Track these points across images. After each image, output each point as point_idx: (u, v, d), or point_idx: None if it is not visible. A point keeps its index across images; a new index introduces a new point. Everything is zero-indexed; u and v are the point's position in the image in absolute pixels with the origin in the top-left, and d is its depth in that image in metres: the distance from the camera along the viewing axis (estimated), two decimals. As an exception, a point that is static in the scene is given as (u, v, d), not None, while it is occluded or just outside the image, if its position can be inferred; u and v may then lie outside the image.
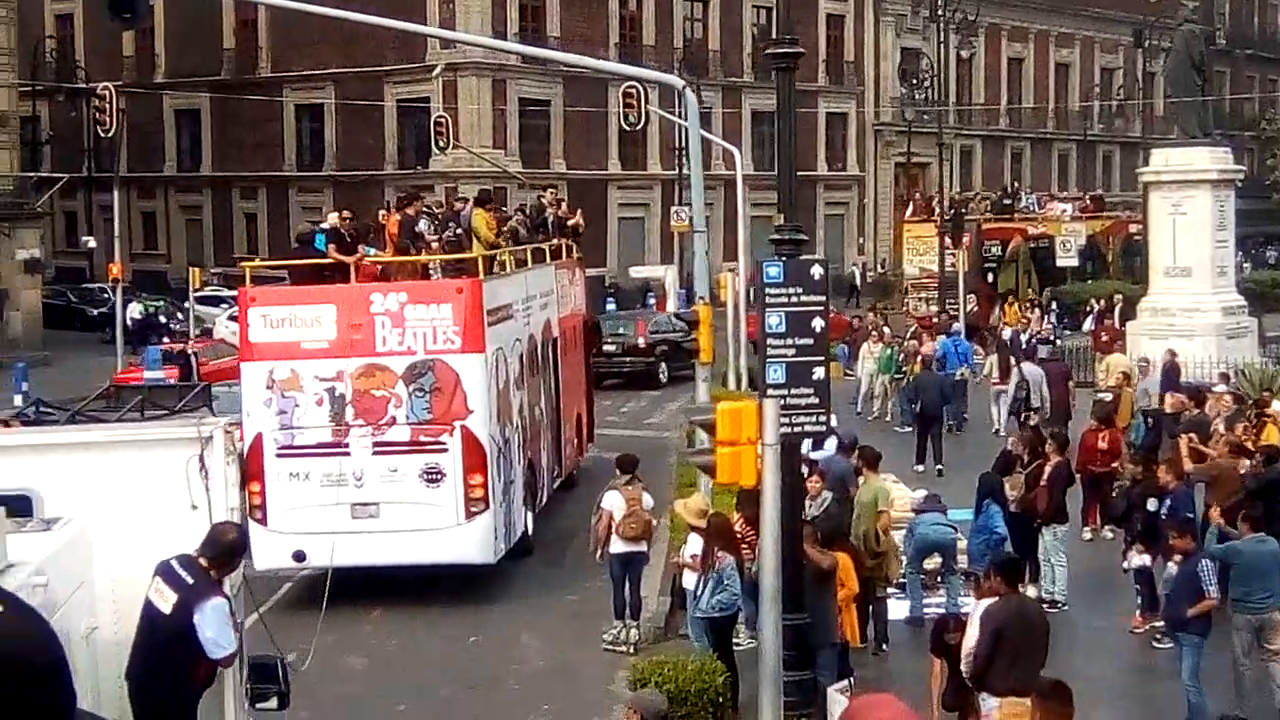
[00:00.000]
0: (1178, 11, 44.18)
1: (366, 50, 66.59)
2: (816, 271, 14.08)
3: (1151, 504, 18.86)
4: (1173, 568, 16.74)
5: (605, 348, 40.68)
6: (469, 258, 22.46)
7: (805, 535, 14.82)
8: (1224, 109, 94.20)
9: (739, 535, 17.14)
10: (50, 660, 4.77)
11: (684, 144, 66.69)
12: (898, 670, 17.51)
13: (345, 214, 23.86)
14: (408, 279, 22.34)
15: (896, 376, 35.67)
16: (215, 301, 58.17)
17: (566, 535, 24.53)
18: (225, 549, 9.62)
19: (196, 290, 51.75)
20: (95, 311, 60.60)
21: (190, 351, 41.54)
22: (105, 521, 9.38)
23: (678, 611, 19.64)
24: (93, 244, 65.72)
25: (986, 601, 12.84)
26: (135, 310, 54.95)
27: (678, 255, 68.61)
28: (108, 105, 42.71)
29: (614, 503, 18.71)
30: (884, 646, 18.05)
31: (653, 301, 55.09)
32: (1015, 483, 19.78)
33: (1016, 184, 72.34)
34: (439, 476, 20.47)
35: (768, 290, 13.91)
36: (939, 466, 29.28)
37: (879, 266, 79.56)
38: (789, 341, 13.94)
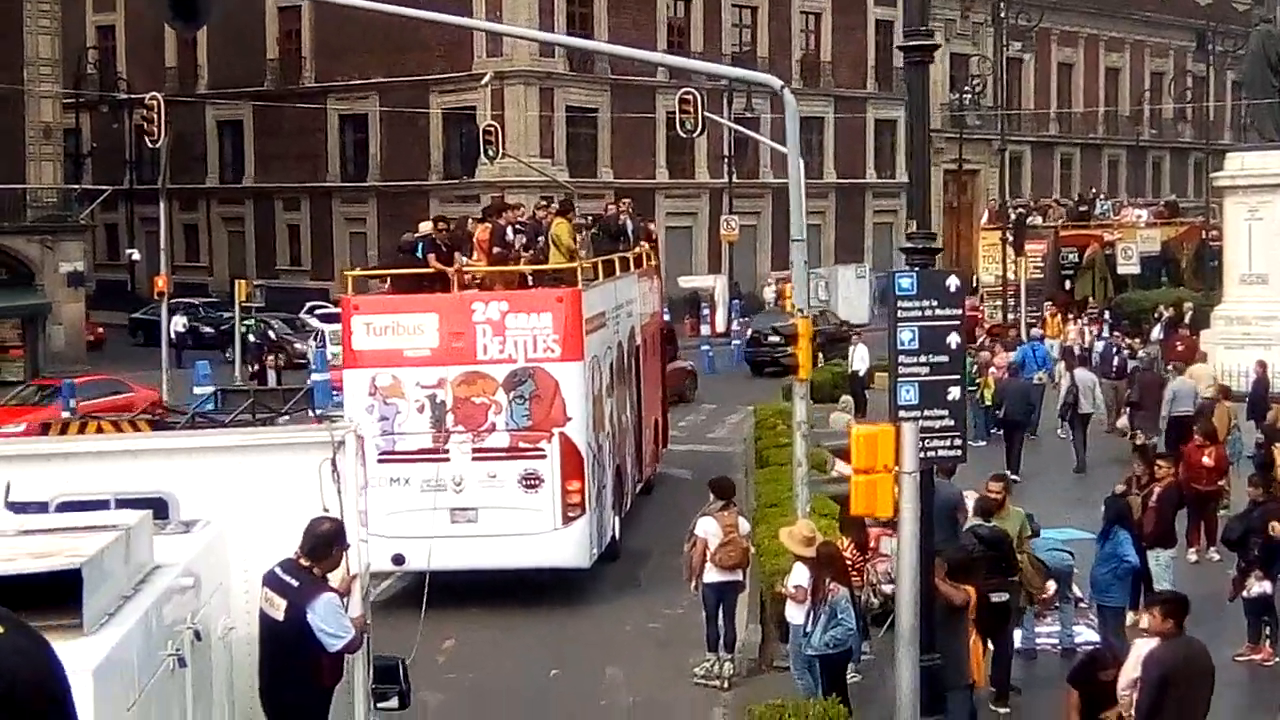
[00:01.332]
0: (1248, 13, 43.08)
1: (411, 59, 65.79)
2: (952, 283, 13.02)
3: (1276, 528, 17.72)
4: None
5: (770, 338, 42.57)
6: (567, 267, 22.84)
7: (934, 568, 13.72)
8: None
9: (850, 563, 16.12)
10: (52, 691, 4.47)
11: (728, 151, 66.09)
12: (1017, 705, 16.43)
13: (440, 223, 24.14)
14: (505, 288, 22.50)
15: (970, 389, 34.45)
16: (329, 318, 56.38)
17: (649, 542, 24.53)
18: (321, 541, 9.79)
19: (244, 302, 50.76)
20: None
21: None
22: (239, 524, 9.50)
23: (771, 643, 18.65)
24: (136, 256, 65.00)
25: (1149, 642, 11.72)
26: (179, 324, 54.18)
27: (727, 264, 67.79)
28: (156, 115, 41.89)
29: (709, 529, 17.67)
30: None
31: (705, 311, 53.95)
32: (1133, 504, 18.66)
33: (1094, 190, 71.16)
34: (537, 482, 20.88)
35: (900, 304, 12.84)
36: (1014, 477, 28.20)
37: (929, 274, 78.38)
38: (922, 359, 12.88)
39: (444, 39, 65.16)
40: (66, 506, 9.00)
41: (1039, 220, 54.95)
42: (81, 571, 6.75)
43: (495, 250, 23.46)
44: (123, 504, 8.77)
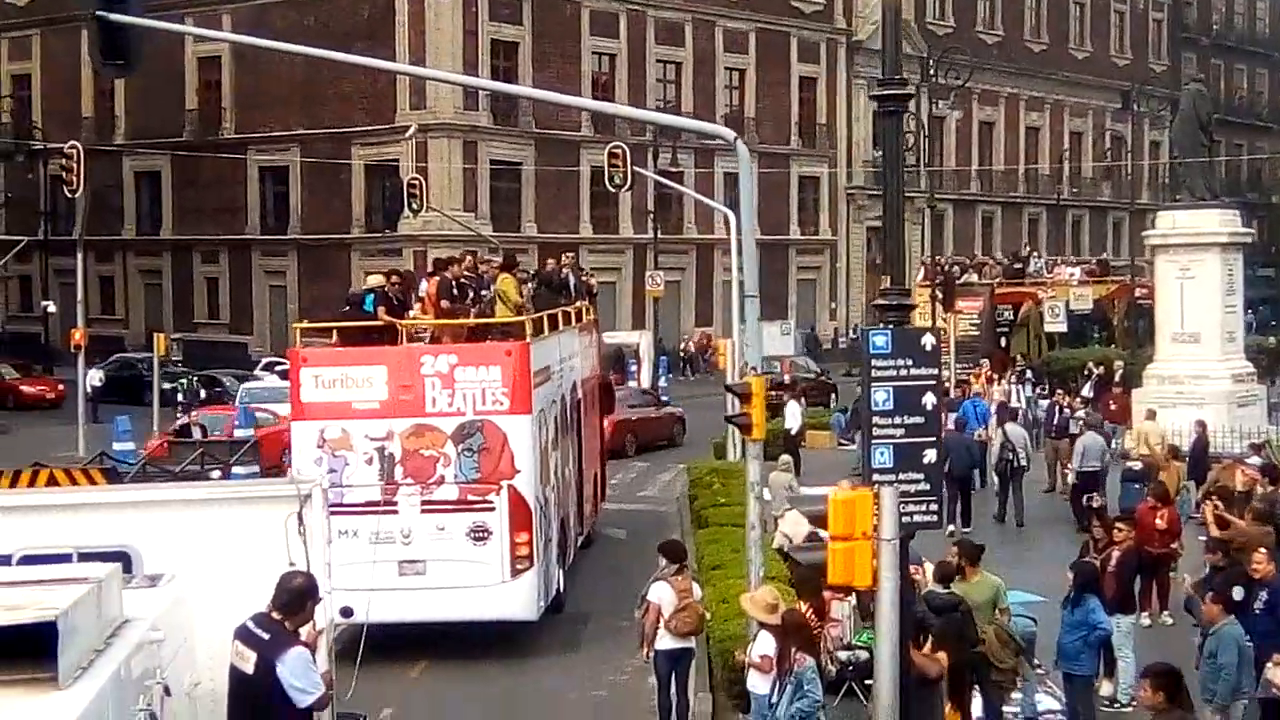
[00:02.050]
0: (1165, 74, 43.25)
1: (333, 111, 65.26)
2: (928, 342, 12.50)
3: (1238, 593, 17.31)
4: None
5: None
6: (515, 321, 22.90)
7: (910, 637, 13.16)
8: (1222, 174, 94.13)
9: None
10: None
11: (652, 206, 65.66)
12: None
13: (393, 276, 24.10)
14: (453, 341, 22.54)
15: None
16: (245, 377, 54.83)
17: (589, 603, 24.14)
18: (294, 595, 9.81)
19: (162, 356, 49.60)
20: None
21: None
22: (203, 578, 9.52)
23: (724, 712, 18.05)
24: (52, 309, 63.63)
25: None
26: (95, 378, 53.00)
27: (652, 320, 67.30)
28: (75, 165, 41.00)
29: (663, 595, 17.01)
30: None
31: (633, 367, 53.35)
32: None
33: (1029, 248, 71.48)
34: (486, 535, 20.91)
35: (874, 363, 12.32)
36: (965, 529, 28.26)
37: (850, 331, 78.37)
38: (897, 420, 12.35)
39: (366, 91, 64.69)
40: (30, 559, 8.98)
41: (975, 277, 54.86)
42: (56, 624, 6.76)
43: (443, 304, 23.41)
44: (85, 557, 8.76)
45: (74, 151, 41.60)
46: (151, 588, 8.93)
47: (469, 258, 25.88)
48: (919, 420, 12.41)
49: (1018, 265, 58.29)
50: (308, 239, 67.63)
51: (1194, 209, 39.69)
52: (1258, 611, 16.90)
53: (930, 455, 12.46)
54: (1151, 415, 32.92)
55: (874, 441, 12.37)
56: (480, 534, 20.90)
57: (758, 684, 15.21)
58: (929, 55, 59.58)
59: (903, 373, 12.36)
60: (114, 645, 7.69)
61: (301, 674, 9.76)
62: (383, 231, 64.40)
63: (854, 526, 11.26)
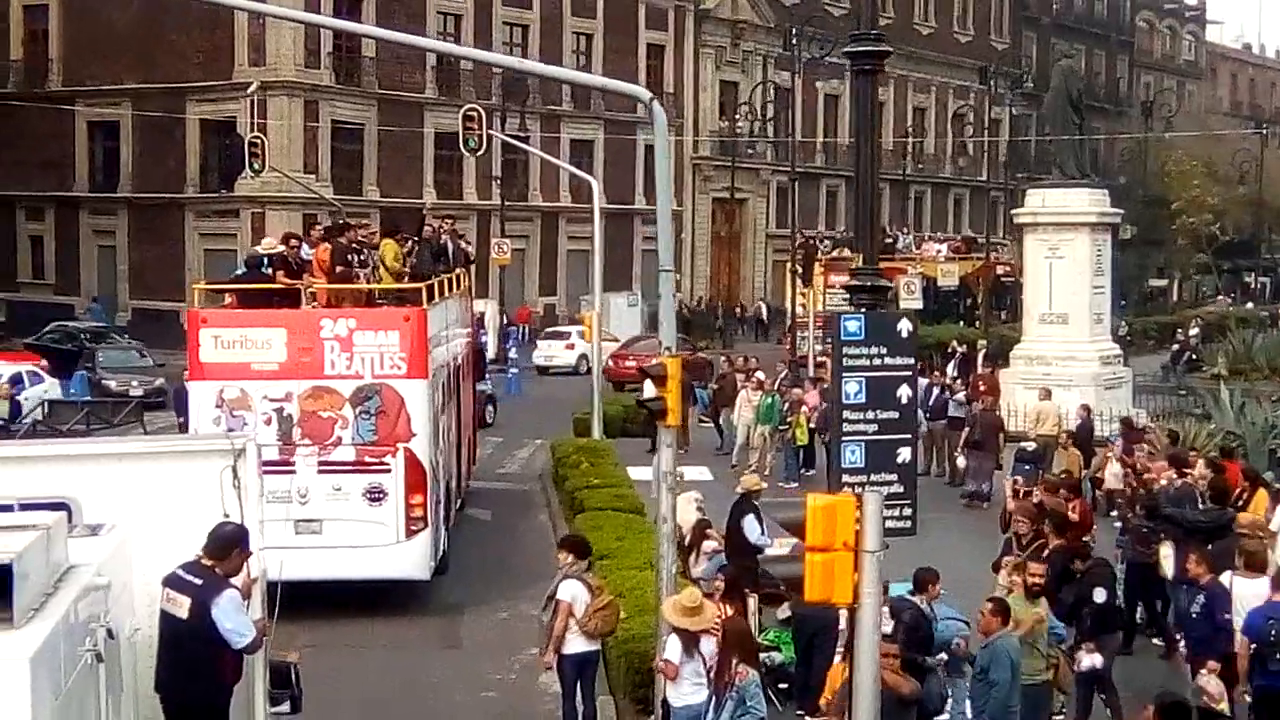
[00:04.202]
0: (1013, 52, 42.71)
1: (167, 65, 62.71)
2: (904, 327, 11.25)
3: (1099, 595, 16.57)
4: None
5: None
6: (412, 287, 23.13)
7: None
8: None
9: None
10: None
11: (497, 171, 63.96)
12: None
13: (293, 241, 24.16)
14: (352, 305, 22.75)
15: (781, 428, 33.04)
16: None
17: (464, 595, 23.30)
18: (224, 541, 10.09)
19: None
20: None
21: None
22: (142, 528, 9.70)
23: (629, 717, 16.80)
24: None
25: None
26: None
27: (498, 288, 65.68)
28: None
29: (576, 593, 15.63)
30: None
31: (485, 336, 51.77)
32: (1010, 566, 17.11)
33: (895, 225, 70.97)
34: (382, 496, 21.25)
35: (846, 351, 11.06)
36: None
37: (696, 302, 77.43)
38: (869, 415, 11.11)
39: (202, 46, 62.25)
40: None
41: (847, 252, 54.06)
42: (12, 567, 7.11)
43: (338, 269, 23.40)
44: (26, 508, 8.84)
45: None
46: (93, 536, 9.08)
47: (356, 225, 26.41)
48: (893, 415, 11.18)
49: (888, 240, 57.76)
50: (139, 197, 64.99)
51: (1063, 187, 39.20)
52: (1194, 616, 16.14)
53: (905, 454, 11.23)
54: (1047, 395, 32.26)
55: (844, 439, 11.12)
56: (376, 495, 21.22)
57: (674, 694, 14.00)
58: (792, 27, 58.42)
59: (876, 362, 11.12)
60: (62, 589, 7.93)
61: (235, 616, 9.97)
62: (219, 192, 61.94)
63: (834, 536, 10.02)
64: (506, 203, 65.15)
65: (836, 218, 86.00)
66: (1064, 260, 38.60)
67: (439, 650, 20.68)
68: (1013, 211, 44.26)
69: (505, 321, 62.35)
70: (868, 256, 11.75)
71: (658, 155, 16.79)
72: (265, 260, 23.61)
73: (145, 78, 63.34)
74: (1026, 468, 26.28)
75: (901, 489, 11.19)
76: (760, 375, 36.28)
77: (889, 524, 11.06)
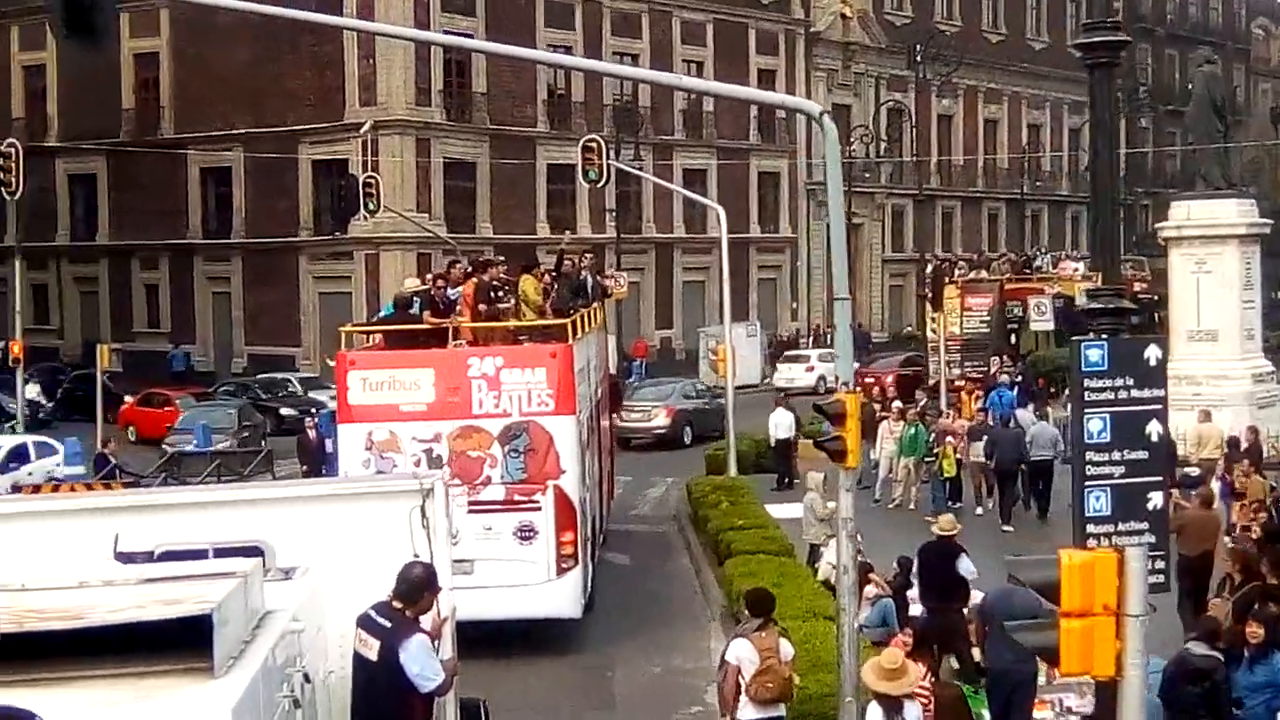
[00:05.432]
0: (1127, 63, 41.07)
1: (277, 108, 62.24)
2: (1153, 355, 9.95)
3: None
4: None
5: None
6: (558, 323, 22.96)
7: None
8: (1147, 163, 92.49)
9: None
10: None
11: (612, 204, 62.87)
12: None
13: (438, 281, 24.29)
14: (499, 343, 22.76)
15: (928, 459, 31.68)
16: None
17: (615, 650, 22.37)
18: (415, 585, 9.99)
19: (105, 369, 46.50)
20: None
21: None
22: (332, 570, 9.70)
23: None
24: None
25: None
26: (32, 392, 50.01)
27: (615, 321, 64.56)
28: (13, 165, 38.05)
29: (743, 654, 14.35)
30: None
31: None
32: (1220, 609, 15.72)
33: (1035, 246, 69.70)
34: (532, 534, 21.18)
35: (1087, 384, 9.77)
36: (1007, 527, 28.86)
37: (810, 331, 76.05)
38: (1115, 455, 9.83)
39: (312, 88, 61.76)
40: (168, 556, 9.08)
41: (984, 274, 52.58)
42: (212, 616, 7.07)
43: (481, 307, 23.26)
44: (220, 553, 8.93)
45: (12, 150, 38.81)
46: (287, 580, 9.15)
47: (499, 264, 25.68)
48: (1142, 455, 9.90)
49: (1023, 259, 56.49)
50: (253, 243, 64.50)
51: (1210, 199, 37.57)
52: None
53: (1156, 499, 9.96)
54: (1207, 416, 30.73)
55: (1087, 484, 9.82)
56: (527, 534, 21.16)
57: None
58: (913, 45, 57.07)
59: (1122, 395, 9.83)
60: (260, 636, 7.94)
61: (423, 660, 9.92)
62: (333, 234, 61.34)
63: (1093, 599, 8.74)
64: (621, 235, 64.08)
65: (954, 239, 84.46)
66: (1211, 274, 37.03)
67: (592, 711, 19.51)
68: (1157, 225, 42.56)
69: (622, 355, 61.23)
70: (1108, 275, 10.45)
71: (829, 173, 15.74)
72: (414, 300, 23.59)
73: (256, 121, 62.90)
74: (1192, 494, 24.78)
75: (1154, 539, 9.86)
76: (898, 404, 34.91)
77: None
